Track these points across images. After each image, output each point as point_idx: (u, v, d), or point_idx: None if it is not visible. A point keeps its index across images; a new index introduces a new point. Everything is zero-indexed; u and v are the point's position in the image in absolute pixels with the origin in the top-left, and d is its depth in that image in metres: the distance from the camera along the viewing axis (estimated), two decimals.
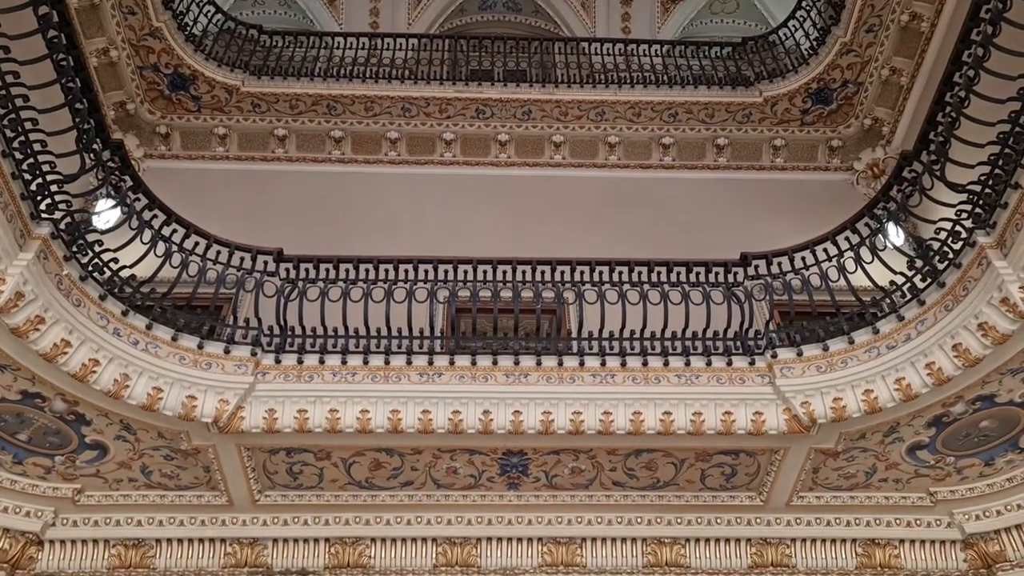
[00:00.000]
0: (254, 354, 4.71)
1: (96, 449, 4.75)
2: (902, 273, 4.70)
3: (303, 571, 5.13)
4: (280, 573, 5.12)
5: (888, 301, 4.78)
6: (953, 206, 4.39)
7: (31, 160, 4.13)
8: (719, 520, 5.26)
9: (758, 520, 5.26)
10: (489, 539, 5.27)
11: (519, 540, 5.28)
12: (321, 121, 7.80)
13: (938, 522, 5.23)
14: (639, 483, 5.15)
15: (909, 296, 4.61)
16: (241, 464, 4.84)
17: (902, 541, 5.24)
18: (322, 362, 4.78)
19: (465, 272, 5.20)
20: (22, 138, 4.07)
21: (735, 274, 5.18)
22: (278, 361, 4.76)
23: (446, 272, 5.17)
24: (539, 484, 5.16)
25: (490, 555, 5.24)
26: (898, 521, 5.24)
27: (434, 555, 5.22)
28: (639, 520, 5.28)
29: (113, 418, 4.57)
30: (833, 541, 5.25)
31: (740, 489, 5.20)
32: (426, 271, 5.14)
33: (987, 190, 4.30)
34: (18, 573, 4.95)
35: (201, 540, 5.13)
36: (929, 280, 4.53)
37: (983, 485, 5.04)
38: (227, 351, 4.68)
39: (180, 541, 5.11)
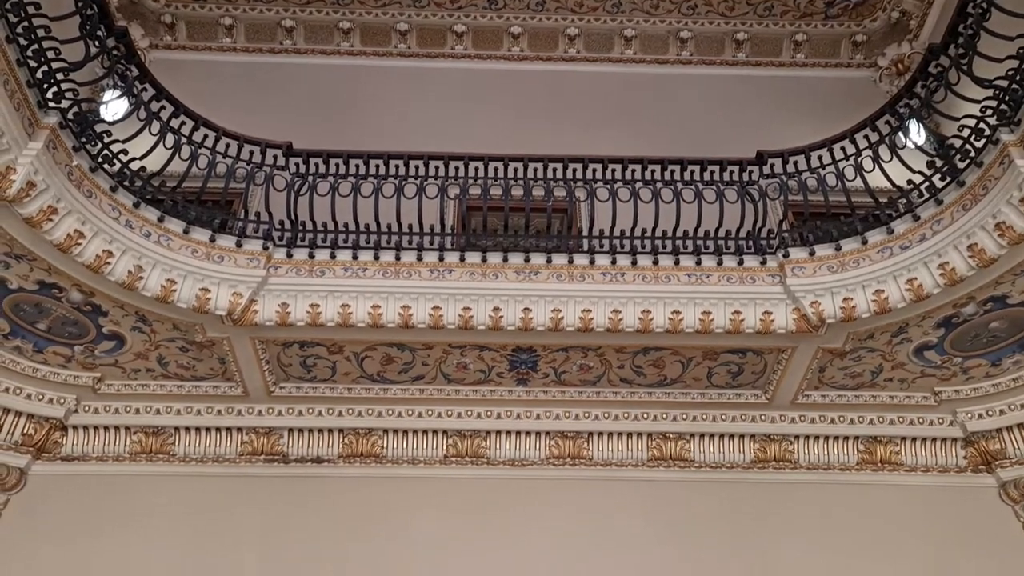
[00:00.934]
0: (266, 248, 4.73)
1: (113, 340, 4.84)
2: (921, 172, 4.62)
3: (318, 459, 5.31)
4: (296, 461, 5.30)
5: (904, 201, 4.71)
6: (978, 102, 4.27)
7: (35, 46, 4.04)
8: (724, 417, 5.37)
9: (762, 417, 5.36)
10: (498, 432, 5.40)
11: (527, 434, 5.41)
12: (329, 11, 7.57)
13: (940, 420, 5.32)
14: (646, 380, 5.23)
15: (927, 196, 4.54)
16: (255, 356, 4.93)
17: (903, 439, 5.35)
18: (333, 257, 4.79)
19: (476, 169, 5.14)
20: (25, 23, 3.97)
21: (750, 173, 5.11)
22: (289, 255, 4.78)
23: (457, 168, 5.11)
24: (547, 380, 5.25)
25: (499, 447, 5.38)
26: (901, 419, 5.33)
27: (444, 446, 5.37)
28: (645, 416, 5.40)
29: (128, 309, 4.63)
30: (835, 438, 5.36)
31: (746, 387, 5.28)
32: (437, 167, 5.09)
33: (1014, 85, 4.17)
34: (44, 456, 5.15)
35: (218, 429, 5.28)
36: (948, 179, 4.45)
37: (988, 385, 5.09)
38: (239, 245, 4.70)
39: (198, 430, 5.27)
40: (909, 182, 4.68)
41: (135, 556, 4.90)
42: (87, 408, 5.21)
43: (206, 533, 5.00)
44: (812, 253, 4.74)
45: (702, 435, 5.38)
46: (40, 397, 5.06)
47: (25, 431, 5.05)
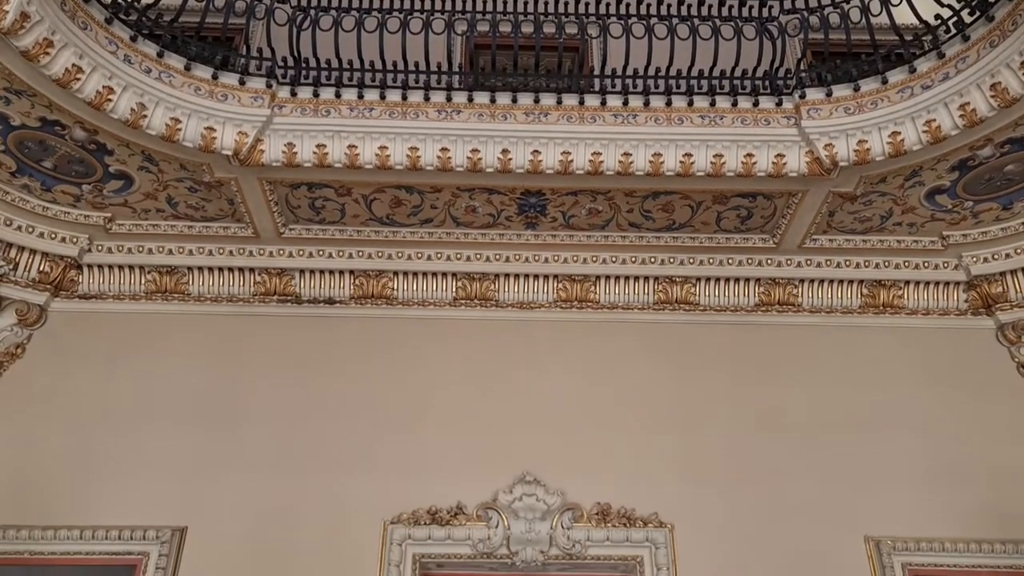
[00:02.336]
0: (269, 86, 4.62)
1: (121, 179, 4.83)
2: (949, 6, 4.41)
3: (330, 300, 5.41)
4: (308, 301, 5.41)
5: (930, 38, 4.53)
6: None
7: None
8: (731, 261, 5.41)
9: (769, 261, 5.40)
10: (506, 275, 5.47)
11: (535, 277, 5.47)
12: None
13: (945, 264, 5.36)
14: (655, 224, 5.24)
15: (953, 31, 4.36)
16: (264, 197, 4.93)
17: (907, 283, 5.41)
18: (338, 96, 4.69)
19: (484, 2, 4.95)
20: None
21: (769, 8, 4.90)
22: (294, 94, 4.68)
23: (464, 2, 4.91)
24: (556, 224, 5.26)
25: (507, 290, 5.47)
26: (906, 264, 5.37)
27: (454, 289, 5.45)
28: (652, 260, 5.44)
29: (134, 149, 4.59)
30: (840, 282, 5.42)
31: (754, 231, 5.29)
32: (443, 0, 4.89)
33: None
34: (62, 294, 5.27)
35: (231, 269, 5.36)
36: (977, 14, 4.26)
37: (996, 229, 5.09)
38: (242, 82, 4.59)
39: (211, 270, 5.35)
40: (937, 17, 4.48)
41: (155, 388, 5.09)
42: (100, 248, 5.28)
43: (223, 369, 5.18)
44: (829, 94, 4.61)
45: (708, 279, 5.45)
46: (53, 236, 5.12)
47: (41, 269, 5.14)
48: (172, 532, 4.65)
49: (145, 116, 4.37)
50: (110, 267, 5.31)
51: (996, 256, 5.20)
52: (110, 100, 4.26)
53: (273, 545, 4.65)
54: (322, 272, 5.40)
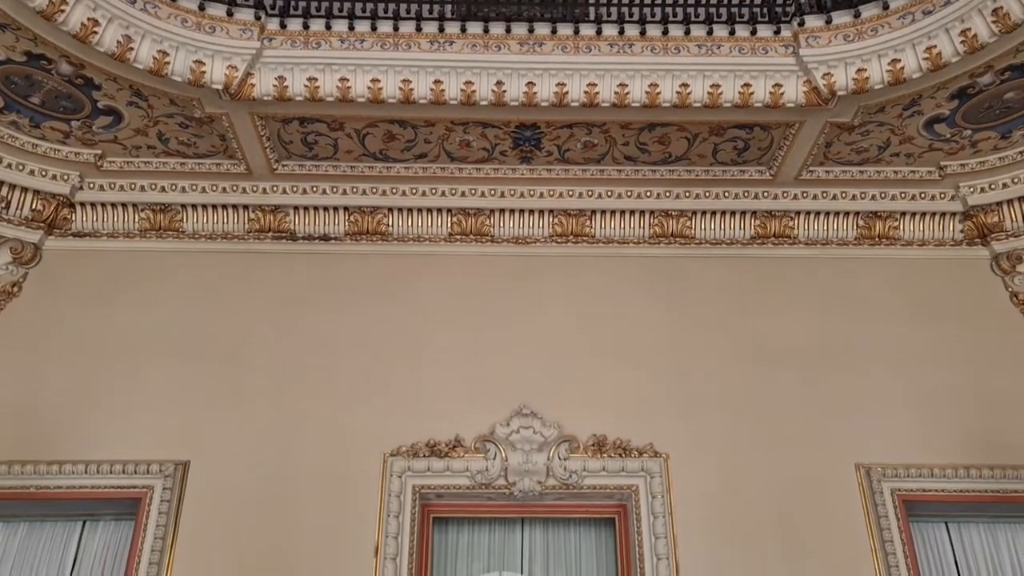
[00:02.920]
0: (258, 18, 4.52)
1: (110, 115, 4.77)
2: None
3: (325, 236, 5.40)
4: (303, 238, 5.40)
5: None
6: None
7: None
8: (727, 194, 5.39)
9: (765, 194, 5.38)
10: (502, 211, 5.45)
11: (531, 212, 5.46)
12: None
13: (942, 195, 5.35)
14: (650, 157, 5.20)
15: None
16: (256, 133, 4.88)
17: (903, 214, 5.40)
18: (328, 28, 4.60)
19: None
20: None
21: None
22: (283, 26, 4.59)
23: None
24: (551, 158, 5.22)
25: (502, 226, 5.46)
26: (903, 195, 5.36)
27: (449, 224, 5.44)
28: (648, 194, 5.42)
29: (122, 83, 4.52)
30: (836, 214, 5.41)
31: (751, 164, 5.25)
32: None
33: None
34: (56, 233, 5.26)
35: (224, 207, 5.33)
36: None
37: (994, 158, 5.07)
38: (230, 14, 4.49)
39: (204, 207, 5.33)
40: None
41: (154, 325, 5.11)
42: (92, 185, 5.24)
43: (221, 306, 5.19)
44: (829, 21, 4.54)
45: (704, 212, 5.43)
46: (43, 173, 5.08)
47: (34, 207, 5.12)
48: (175, 466, 4.72)
49: (132, 49, 4.30)
50: (103, 205, 5.28)
51: (993, 186, 5.19)
52: (95, 32, 4.18)
53: (276, 478, 4.73)
54: (316, 209, 5.37)
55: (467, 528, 5.06)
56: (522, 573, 5.01)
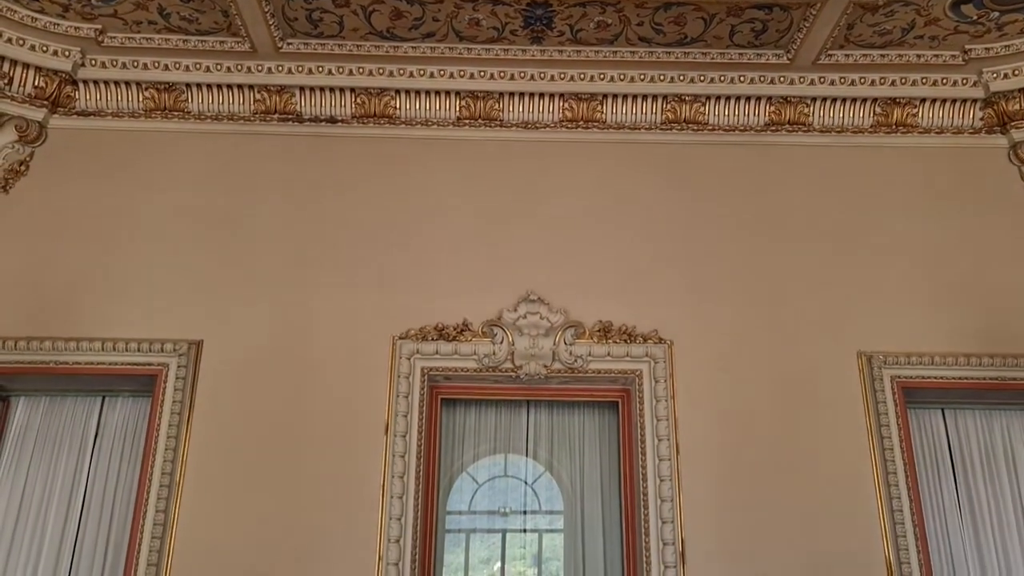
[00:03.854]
0: None
1: None
2: None
3: (331, 119, 5.32)
4: (310, 120, 5.32)
5: None
6: None
7: None
8: (742, 79, 5.25)
9: (781, 79, 5.23)
10: (511, 94, 5.32)
11: (541, 95, 5.34)
12: None
13: (964, 81, 5.19)
14: (665, 39, 5.04)
15: None
16: (259, 7, 4.72)
17: (923, 100, 5.26)
18: None
19: None
20: None
21: None
22: None
23: None
24: (563, 38, 5.06)
25: (512, 109, 5.34)
26: (924, 80, 5.20)
27: (457, 108, 5.34)
28: (661, 77, 5.27)
29: None
30: (853, 100, 5.27)
31: (768, 47, 5.09)
32: None
33: None
34: (60, 111, 5.19)
35: (230, 86, 5.23)
36: None
37: (1020, 42, 4.89)
38: None
39: (209, 87, 5.23)
40: None
41: (163, 205, 5.12)
42: (94, 62, 5.14)
43: (229, 188, 5.18)
44: None
45: (718, 97, 5.31)
46: (44, 49, 4.98)
47: (36, 84, 5.05)
48: (189, 345, 4.82)
49: None
50: (106, 83, 5.19)
51: (1017, 72, 5.03)
52: None
53: (287, 358, 4.83)
54: (322, 90, 5.27)
55: (474, 410, 5.19)
56: (527, 454, 5.19)
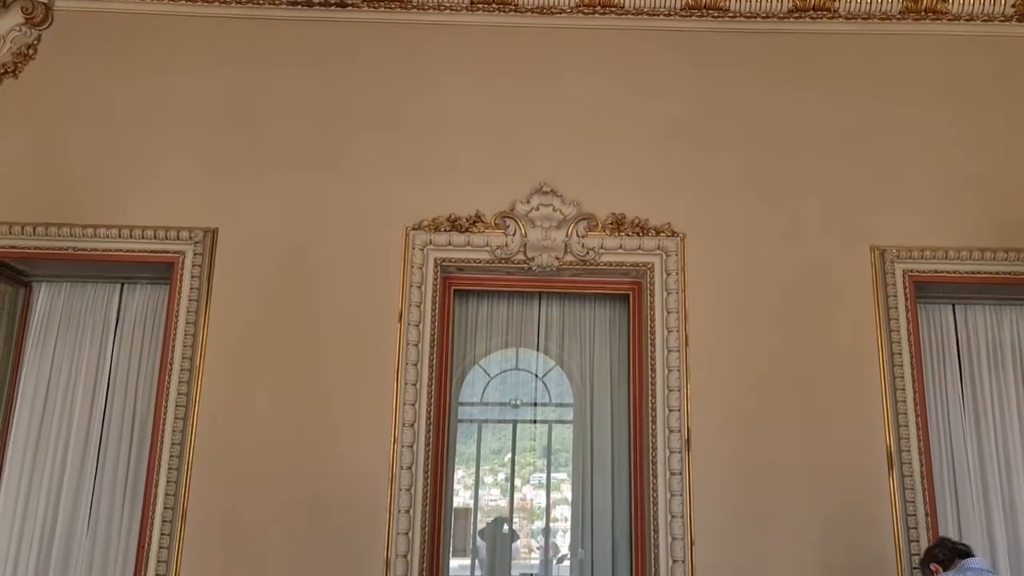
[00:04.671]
0: None
1: None
2: None
3: (342, 2, 5.18)
4: (319, 4, 5.18)
5: None
6: None
7: None
8: None
9: None
10: None
11: None
12: None
13: None
14: None
15: None
16: None
17: None
18: None
19: None
20: None
21: None
22: None
23: None
24: None
25: None
26: None
27: None
28: None
29: None
30: None
31: None
32: None
33: None
34: None
35: None
36: None
37: None
38: None
39: None
40: None
41: (174, 91, 5.07)
42: None
43: (241, 73, 5.10)
44: None
45: None
46: None
47: None
48: (204, 233, 4.86)
49: None
50: None
51: None
52: None
53: (302, 246, 4.87)
54: None
55: (486, 301, 5.25)
56: (538, 348, 5.27)
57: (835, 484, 4.54)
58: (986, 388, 5.01)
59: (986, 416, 4.96)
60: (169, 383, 4.63)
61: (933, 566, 3.41)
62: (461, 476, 5.13)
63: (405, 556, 4.46)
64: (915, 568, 4.29)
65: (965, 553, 3.36)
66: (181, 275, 4.80)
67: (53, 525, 4.84)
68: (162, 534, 4.45)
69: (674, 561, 4.46)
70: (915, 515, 4.46)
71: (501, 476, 5.20)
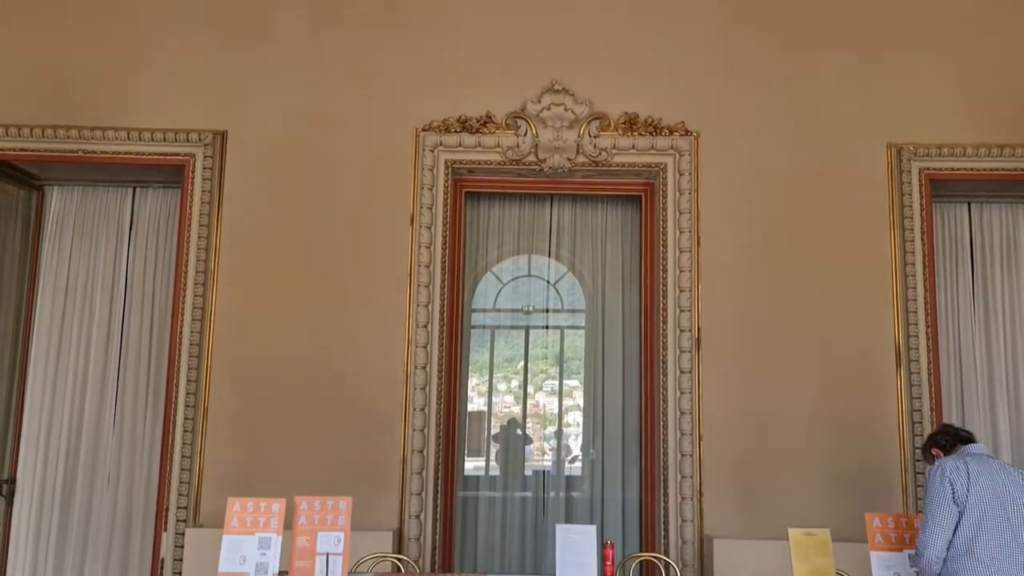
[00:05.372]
0: None
1: None
2: None
3: None
4: None
5: None
6: None
7: None
8: None
9: None
10: None
11: None
12: None
13: None
14: None
15: None
16: None
17: None
18: None
19: None
20: None
21: None
22: None
23: None
24: None
25: None
26: None
27: None
28: None
29: None
30: None
31: None
32: None
33: None
34: None
35: None
36: None
37: None
38: None
39: None
40: None
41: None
42: None
43: (241, 35, 4.99)
44: None
45: None
46: None
47: None
48: (213, 135, 4.82)
49: None
50: None
51: None
52: None
53: (311, 149, 4.83)
54: None
55: (498, 203, 5.25)
56: (549, 255, 5.27)
57: (843, 382, 4.60)
58: (998, 286, 5.02)
59: (996, 314, 4.98)
60: (185, 286, 4.69)
61: (935, 451, 3.48)
62: (475, 384, 5.23)
63: (421, 451, 4.59)
64: (917, 451, 4.38)
65: (967, 439, 3.42)
66: (192, 178, 4.79)
67: (80, 422, 4.99)
68: (184, 431, 4.59)
69: (682, 455, 4.58)
70: (920, 410, 4.54)
71: (515, 383, 5.29)
